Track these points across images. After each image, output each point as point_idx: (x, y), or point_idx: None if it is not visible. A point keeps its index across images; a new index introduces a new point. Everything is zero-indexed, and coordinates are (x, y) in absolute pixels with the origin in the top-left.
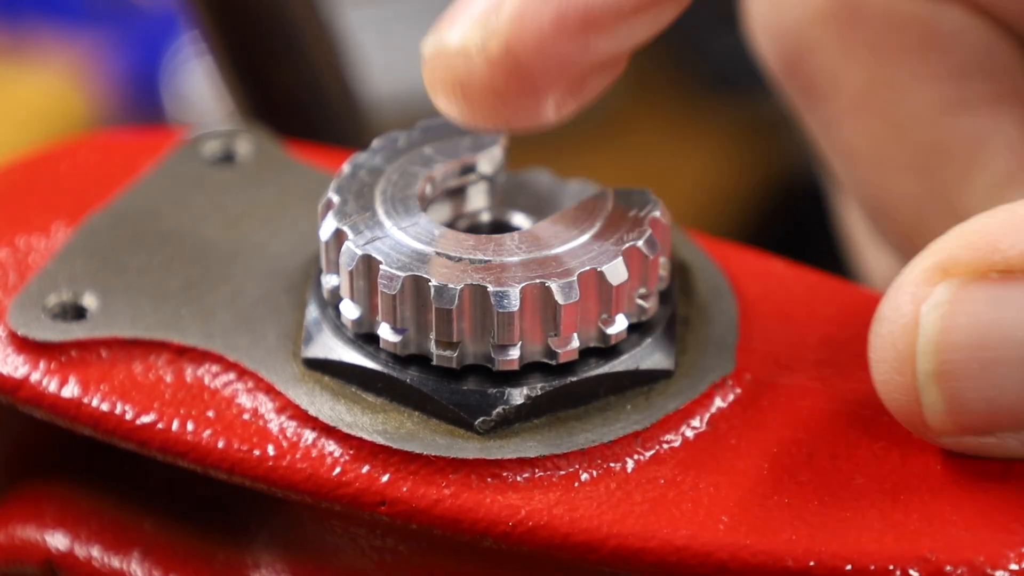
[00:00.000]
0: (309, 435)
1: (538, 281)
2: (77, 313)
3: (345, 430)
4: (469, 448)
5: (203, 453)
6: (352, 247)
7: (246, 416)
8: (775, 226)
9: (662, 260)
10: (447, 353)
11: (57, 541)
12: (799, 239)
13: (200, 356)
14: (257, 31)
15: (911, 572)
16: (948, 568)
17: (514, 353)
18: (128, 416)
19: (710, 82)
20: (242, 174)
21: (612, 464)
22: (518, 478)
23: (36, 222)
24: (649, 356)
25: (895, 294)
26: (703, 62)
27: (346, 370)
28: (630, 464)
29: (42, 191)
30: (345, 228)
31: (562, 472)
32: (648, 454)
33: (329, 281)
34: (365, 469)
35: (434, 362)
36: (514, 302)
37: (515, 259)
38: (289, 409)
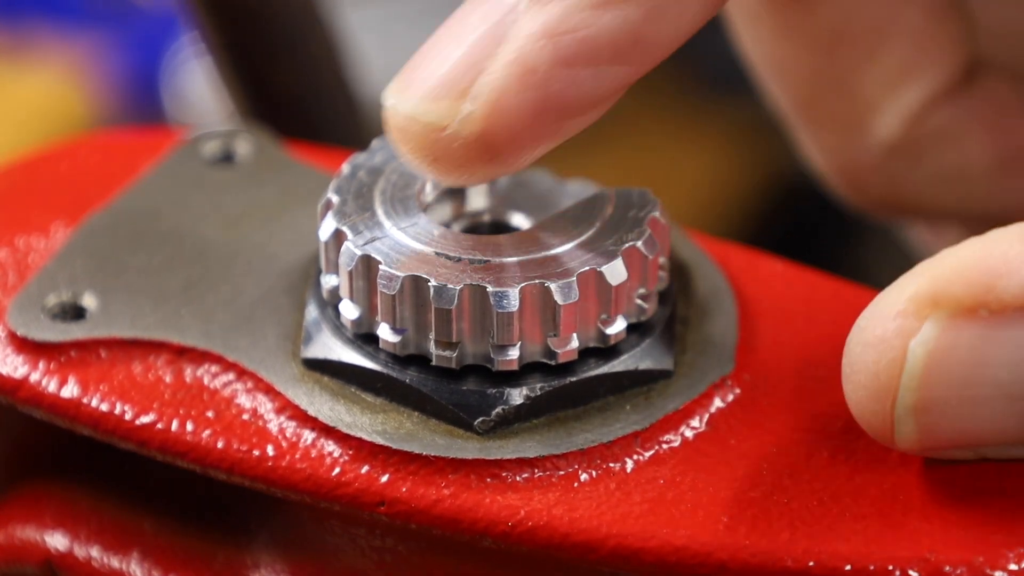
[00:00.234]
0: (308, 435)
1: (537, 281)
2: (77, 313)
3: (344, 430)
4: (468, 448)
5: (202, 453)
6: (351, 247)
7: (245, 416)
8: (775, 226)
9: (662, 260)
10: (446, 353)
11: (57, 541)
12: (799, 239)
13: (200, 356)
14: (257, 31)
15: (911, 572)
16: (947, 568)
17: (513, 353)
18: (127, 416)
19: (710, 83)
20: (242, 174)
21: (611, 464)
22: (517, 478)
23: (36, 222)
24: (648, 356)
25: (880, 320)
26: (703, 63)
27: (345, 370)
28: (629, 464)
29: (42, 191)
30: (344, 228)
31: (561, 472)
32: (647, 454)
33: (328, 281)
34: (364, 469)
35: (433, 362)
36: (513, 302)
37: (514, 259)
38: (288, 409)
